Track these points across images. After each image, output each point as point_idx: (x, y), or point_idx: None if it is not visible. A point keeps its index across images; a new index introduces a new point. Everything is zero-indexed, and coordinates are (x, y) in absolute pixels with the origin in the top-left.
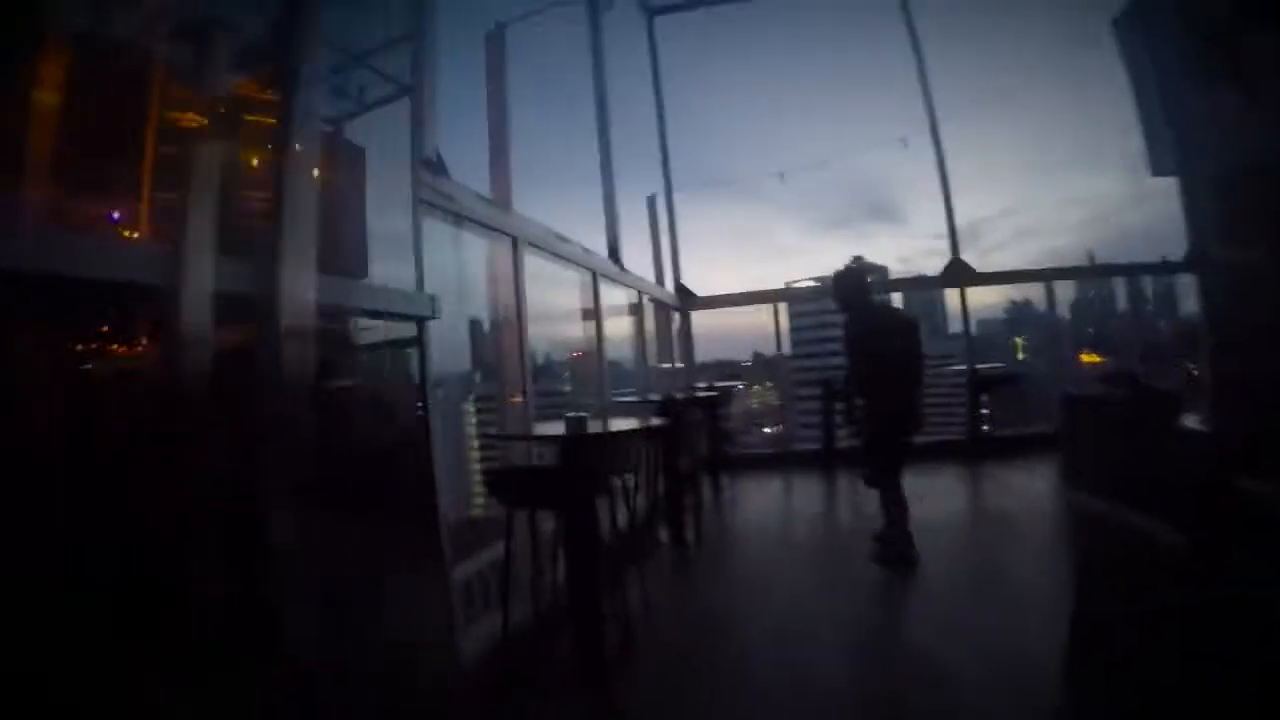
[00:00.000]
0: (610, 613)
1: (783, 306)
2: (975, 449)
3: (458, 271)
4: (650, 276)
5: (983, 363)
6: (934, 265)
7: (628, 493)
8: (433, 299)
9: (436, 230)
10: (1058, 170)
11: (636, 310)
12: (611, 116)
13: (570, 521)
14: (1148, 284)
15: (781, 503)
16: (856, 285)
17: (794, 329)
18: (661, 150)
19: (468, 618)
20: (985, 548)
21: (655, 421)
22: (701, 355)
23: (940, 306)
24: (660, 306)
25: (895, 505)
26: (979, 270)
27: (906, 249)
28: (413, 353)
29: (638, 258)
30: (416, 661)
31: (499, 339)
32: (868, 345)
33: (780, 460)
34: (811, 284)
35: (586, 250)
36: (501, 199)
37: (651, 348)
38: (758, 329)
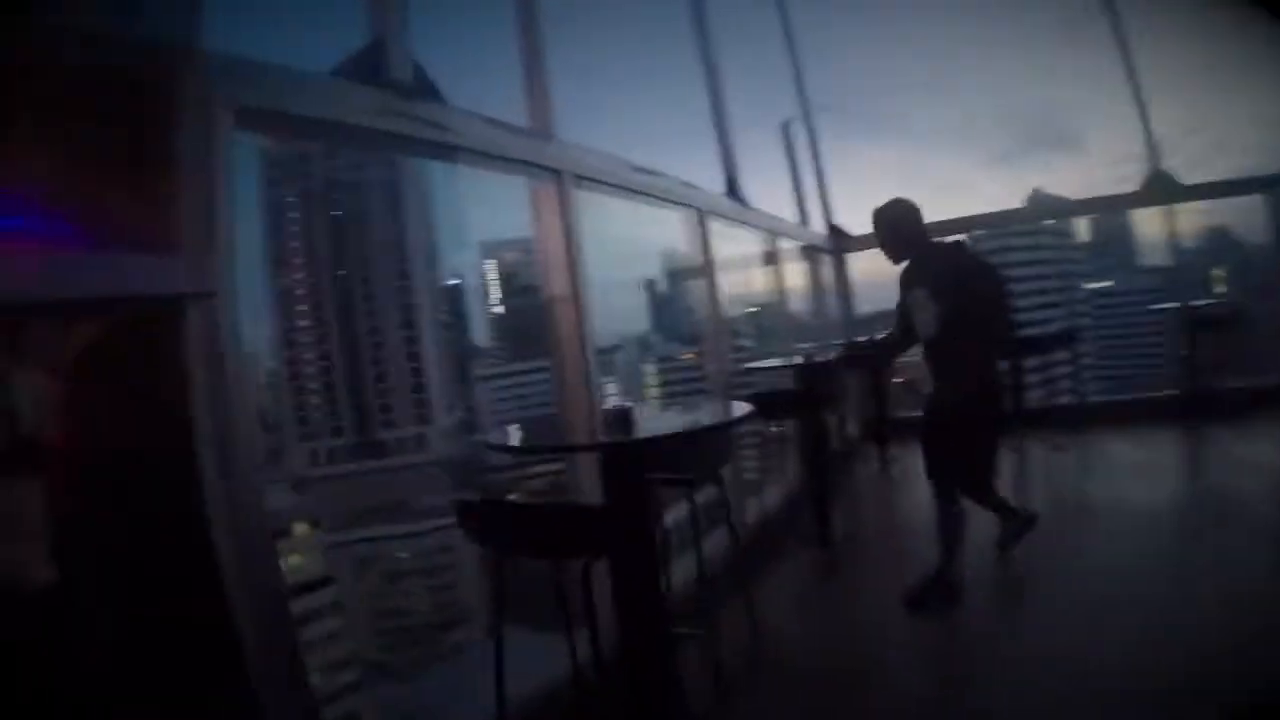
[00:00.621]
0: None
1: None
2: (1192, 407)
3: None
4: (791, 217)
5: (1186, 298)
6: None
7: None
8: (210, 265)
9: None
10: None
11: (773, 257)
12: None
13: (616, 574)
14: None
15: None
16: (906, 222)
17: None
18: (792, 63)
19: None
20: (1225, 560)
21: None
22: (873, 306)
23: (1129, 236)
24: (807, 251)
25: (953, 522)
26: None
27: (1088, 179)
28: None
29: (773, 198)
30: None
31: (551, 309)
32: (931, 298)
33: None
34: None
35: (687, 185)
36: (540, 126)
37: (797, 299)
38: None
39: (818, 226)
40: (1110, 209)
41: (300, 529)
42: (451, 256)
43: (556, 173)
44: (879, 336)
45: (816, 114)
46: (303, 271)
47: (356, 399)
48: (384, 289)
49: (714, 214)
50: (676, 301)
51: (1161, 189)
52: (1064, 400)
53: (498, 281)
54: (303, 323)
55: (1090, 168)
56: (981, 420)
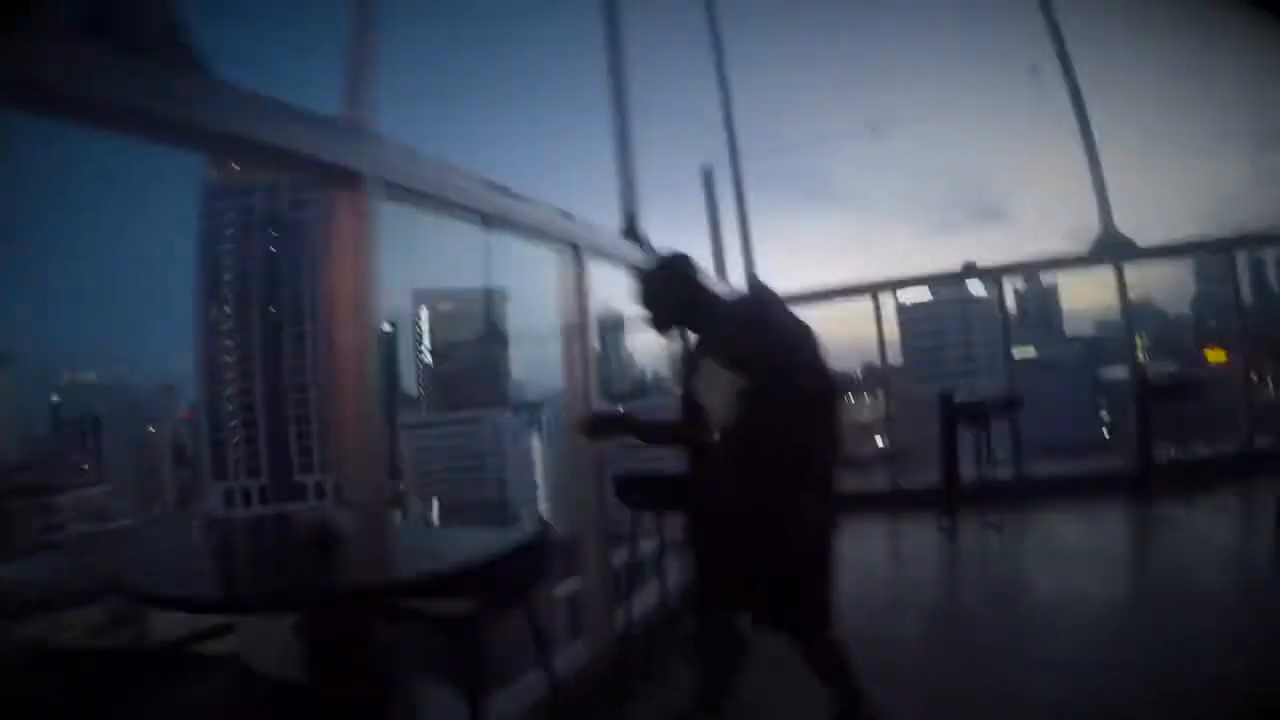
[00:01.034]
0: None
1: (890, 306)
2: (1147, 482)
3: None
4: (708, 268)
5: (1108, 365)
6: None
7: None
8: None
9: None
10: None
11: None
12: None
13: None
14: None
15: (880, 571)
16: (681, 284)
17: (908, 334)
18: (724, 104)
19: None
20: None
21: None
22: None
23: (1054, 304)
24: None
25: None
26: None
27: (1024, 251)
28: None
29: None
30: None
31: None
32: (727, 370)
33: (885, 502)
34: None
35: (562, 214)
36: (353, 114)
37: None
38: (856, 340)
39: (738, 283)
40: (1061, 270)
41: None
42: (386, 302)
43: (356, 176)
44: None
45: (743, 162)
46: (232, 305)
47: (277, 440)
48: (313, 329)
49: (599, 254)
50: (610, 358)
51: (1114, 249)
52: (1001, 474)
53: (429, 330)
54: (228, 358)
55: (1029, 239)
56: (813, 514)
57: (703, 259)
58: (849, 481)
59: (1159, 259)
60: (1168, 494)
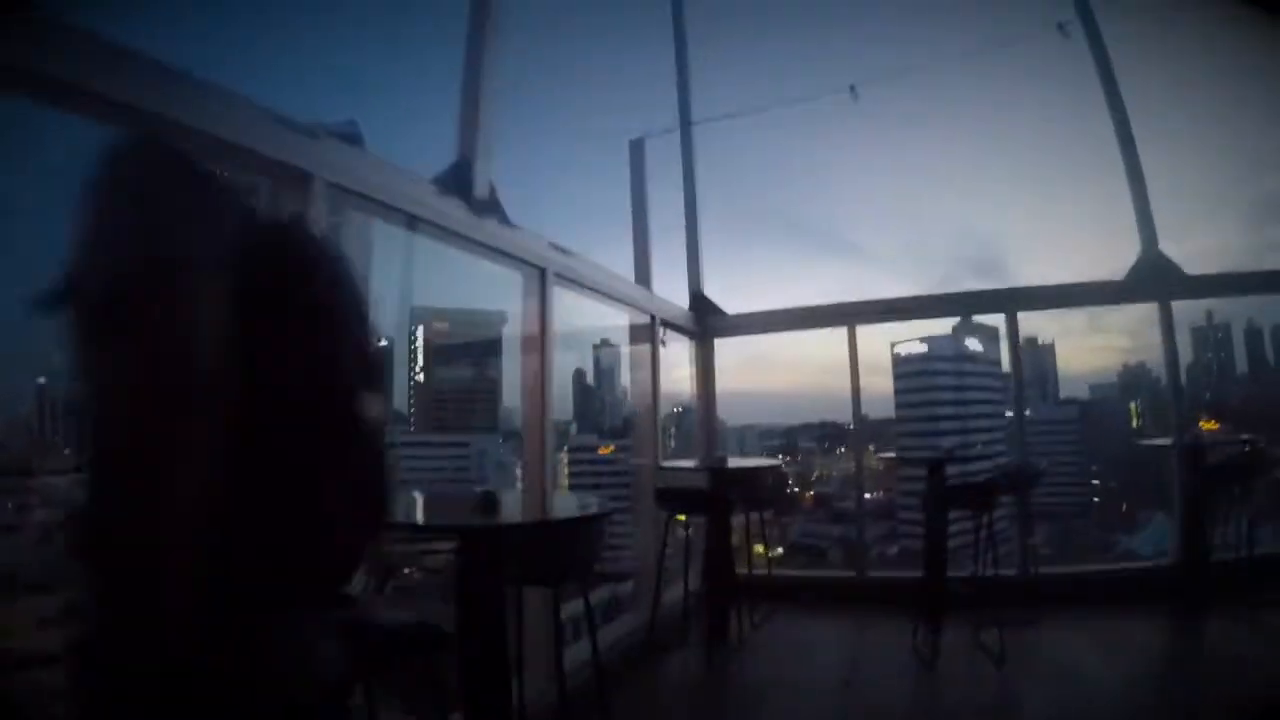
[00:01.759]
0: None
1: (875, 342)
2: (1200, 584)
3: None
4: (625, 271)
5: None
6: None
7: None
8: None
9: None
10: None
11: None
12: None
13: None
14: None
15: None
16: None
17: (900, 390)
18: (677, 56)
19: None
20: None
21: None
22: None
23: (1049, 364)
24: (648, 323)
25: None
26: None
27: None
28: None
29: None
30: None
31: None
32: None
33: (850, 593)
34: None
35: (300, 131)
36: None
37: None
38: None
39: (672, 295)
40: (1096, 298)
41: None
42: (382, 318)
43: None
44: (733, 462)
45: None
46: None
47: None
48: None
49: (364, 197)
50: (602, 391)
51: (1156, 280)
52: (999, 570)
53: (422, 349)
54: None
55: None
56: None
57: (623, 260)
58: (794, 566)
59: (1211, 295)
60: (1227, 605)
